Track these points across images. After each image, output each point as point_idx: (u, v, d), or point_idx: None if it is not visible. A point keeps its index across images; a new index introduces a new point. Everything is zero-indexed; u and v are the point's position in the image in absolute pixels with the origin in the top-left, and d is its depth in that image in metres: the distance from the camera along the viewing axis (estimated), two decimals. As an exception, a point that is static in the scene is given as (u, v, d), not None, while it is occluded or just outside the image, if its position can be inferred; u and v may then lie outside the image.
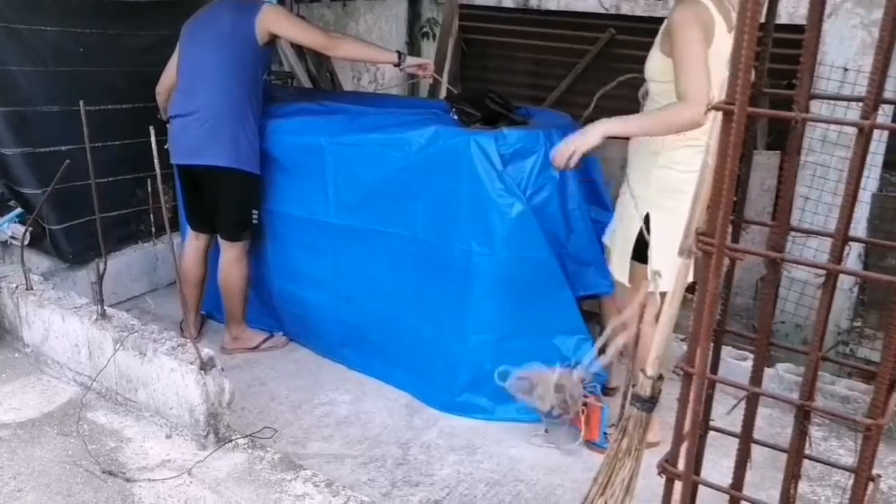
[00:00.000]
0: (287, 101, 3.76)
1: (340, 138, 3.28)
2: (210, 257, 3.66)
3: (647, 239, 2.67)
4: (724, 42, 2.40)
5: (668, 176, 2.64)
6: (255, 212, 3.47)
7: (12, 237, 3.53)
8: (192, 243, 3.60)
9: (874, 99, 1.32)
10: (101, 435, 2.76)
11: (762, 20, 1.49)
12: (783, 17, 4.10)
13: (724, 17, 2.48)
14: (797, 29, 4.15)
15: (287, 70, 4.76)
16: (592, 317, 3.68)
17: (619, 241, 2.87)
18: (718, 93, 1.53)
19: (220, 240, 3.51)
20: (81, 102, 2.76)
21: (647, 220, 2.70)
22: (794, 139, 1.38)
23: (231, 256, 3.51)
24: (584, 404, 3.06)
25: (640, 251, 2.74)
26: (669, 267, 2.24)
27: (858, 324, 4.26)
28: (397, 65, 3.42)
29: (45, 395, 3.00)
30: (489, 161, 2.93)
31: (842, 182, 3.68)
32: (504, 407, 3.20)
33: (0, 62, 3.45)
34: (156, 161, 2.60)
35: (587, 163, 3.16)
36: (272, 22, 3.26)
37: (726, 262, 1.47)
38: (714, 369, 1.77)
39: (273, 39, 3.36)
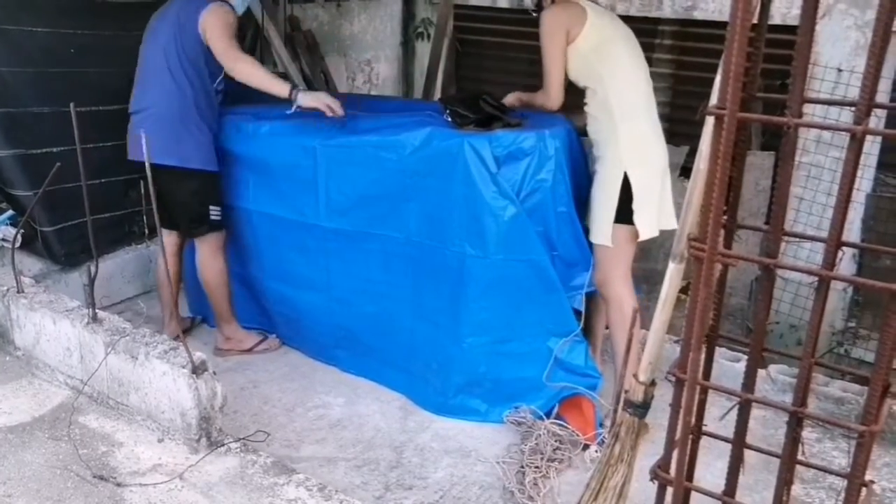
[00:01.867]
0: (281, 103, 3.74)
1: (333, 140, 3.27)
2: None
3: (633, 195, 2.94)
4: (597, 24, 3.00)
5: (631, 132, 2.96)
6: (213, 208, 3.43)
7: (3, 239, 3.51)
8: (166, 241, 3.54)
9: (867, 104, 1.31)
10: (93, 439, 2.74)
11: (754, 22, 1.48)
12: (776, 18, 4.10)
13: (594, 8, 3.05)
14: (790, 30, 4.15)
15: (281, 71, 4.74)
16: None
17: (598, 205, 3.04)
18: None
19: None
20: (72, 105, 2.74)
21: (625, 179, 2.94)
22: (788, 144, 1.38)
23: (204, 253, 3.51)
24: (578, 404, 3.08)
25: (620, 212, 2.98)
26: (650, 216, 2.96)
27: (853, 324, 4.26)
28: (287, 99, 3.24)
29: (36, 399, 2.98)
30: (483, 163, 2.92)
31: (836, 183, 3.68)
32: (498, 409, 3.20)
33: (-11, 64, 3.44)
34: (147, 163, 2.59)
35: (577, 156, 3.18)
36: (205, 23, 3.23)
37: (718, 266, 1.47)
38: (707, 374, 1.77)
39: None
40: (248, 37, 4.62)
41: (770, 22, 1.59)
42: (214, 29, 3.23)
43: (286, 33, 4.84)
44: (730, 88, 1.21)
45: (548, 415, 3.12)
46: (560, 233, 3.08)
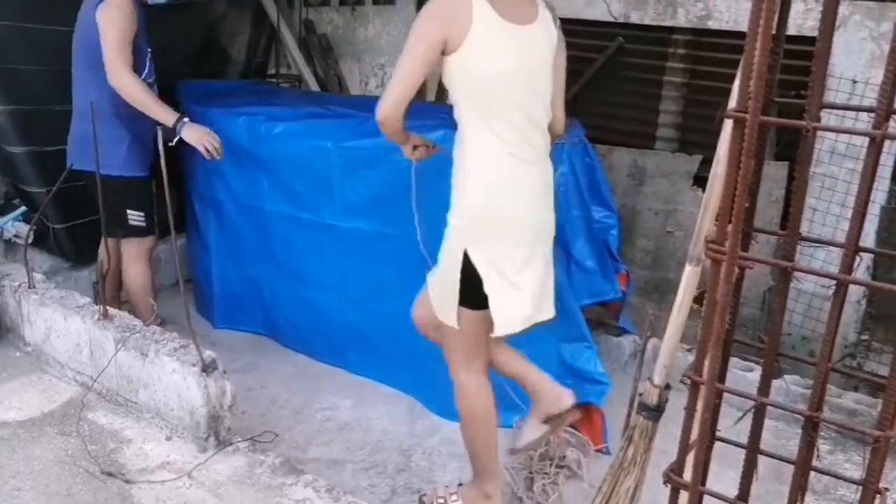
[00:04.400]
0: (295, 105, 3.76)
1: (347, 142, 3.27)
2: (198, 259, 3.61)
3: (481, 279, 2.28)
4: (490, 31, 2.17)
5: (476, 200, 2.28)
6: (133, 213, 3.29)
7: (16, 236, 3.53)
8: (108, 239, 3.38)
9: (886, 109, 1.31)
10: (102, 435, 2.75)
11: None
12: (792, 29, 4.09)
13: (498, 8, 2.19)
14: (805, 41, 4.14)
15: (295, 73, 4.76)
16: (600, 325, 3.68)
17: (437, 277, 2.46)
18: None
19: None
20: (91, 103, 2.75)
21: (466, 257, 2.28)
22: (806, 148, 1.37)
23: (125, 257, 3.42)
24: (587, 410, 3.07)
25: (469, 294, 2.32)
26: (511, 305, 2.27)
27: (866, 337, 4.23)
28: (172, 128, 3.09)
29: (45, 395, 2.99)
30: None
31: (850, 194, 3.65)
32: (506, 414, 3.17)
33: (7, 61, 3.44)
34: (162, 162, 2.60)
35: (591, 162, 3.16)
36: (100, 18, 3.03)
37: (736, 270, 1.46)
38: (722, 378, 1.75)
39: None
40: (264, 39, 4.65)
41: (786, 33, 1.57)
42: (105, 28, 3.02)
43: (301, 37, 4.85)
44: (752, 87, 1.21)
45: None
46: (575, 237, 3.07)
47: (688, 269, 1.58)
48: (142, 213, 3.34)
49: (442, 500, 2.60)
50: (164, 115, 3.11)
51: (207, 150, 3.17)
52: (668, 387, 1.66)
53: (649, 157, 4.80)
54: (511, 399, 3.16)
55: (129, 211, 3.31)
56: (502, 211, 2.25)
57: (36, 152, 3.55)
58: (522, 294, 2.31)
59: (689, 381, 1.51)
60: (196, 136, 3.16)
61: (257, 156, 3.50)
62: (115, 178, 3.20)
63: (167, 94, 3.62)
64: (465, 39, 2.15)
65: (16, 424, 2.79)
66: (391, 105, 2.24)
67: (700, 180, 4.73)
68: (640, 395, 1.70)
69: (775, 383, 2.81)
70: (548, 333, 3.09)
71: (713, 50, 4.69)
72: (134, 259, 3.43)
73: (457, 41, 2.15)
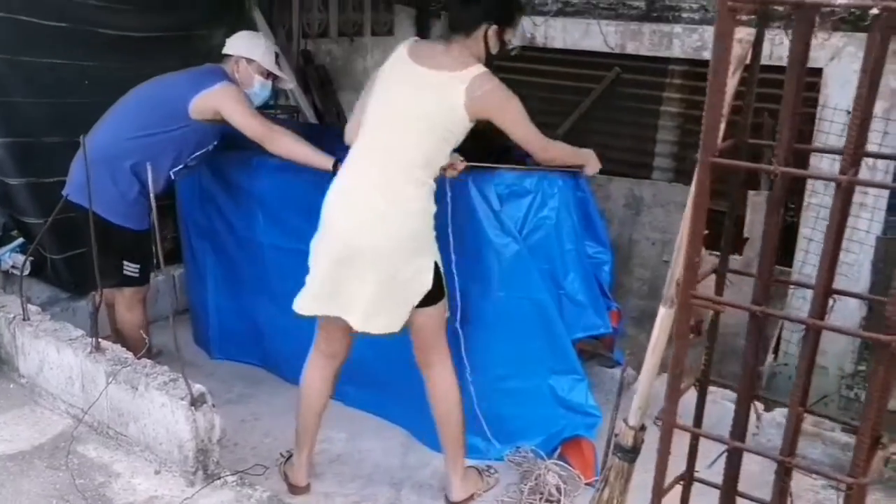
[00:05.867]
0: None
1: (340, 175, 3.28)
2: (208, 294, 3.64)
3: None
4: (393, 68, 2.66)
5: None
6: (129, 264, 3.33)
7: (14, 267, 3.55)
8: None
9: (853, 153, 1.31)
10: (91, 469, 2.75)
11: (742, 67, 1.49)
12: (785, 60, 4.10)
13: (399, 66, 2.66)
14: (812, 72, 4.16)
15: (293, 104, 4.80)
16: (593, 356, 3.67)
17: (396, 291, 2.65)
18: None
19: None
20: (82, 137, 2.79)
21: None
22: (776, 192, 1.37)
23: (119, 304, 3.45)
24: (578, 443, 3.06)
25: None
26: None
27: (863, 367, 4.20)
28: (331, 172, 3.10)
29: (37, 427, 3.00)
30: (486, 201, 2.93)
31: (850, 226, 3.62)
32: (498, 447, 3.17)
33: (5, 93, 3.50)
34: (152, 196, 2.63)
35: (583, 196, 3.17)
36: (220, 102, 3.18)
37: (707, 312, 1.46)
38: (699, 418, 1.75)
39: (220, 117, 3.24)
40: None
41: (781, 63, 1.55)
42: (231, 103, 3.17)
43: (299, 67, 4.90)
44: (702, 140, 1.22)
45: (550, 454, 3.10)
46: (567, 271, 3.07)
47: (661, 311, 1.58)
48: (137, 266, 3.36)
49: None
50: (322, 161, 3.14)
51: None
52: (643, 428, 1.66)
53: (646, 186, 4.81)
54: (503, 431, 3.16)
55: (125, 262, 3.33)
56: None
57: (33, 184, 3.59)
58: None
59: (660, 423, 1.51)
60: None
61: (252, 190, 3.52)
62: (120, 227, 3.22)
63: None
64: None
65: (5, 458, 2.80)
66: (542, 147, 2.82)
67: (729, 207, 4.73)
68: (616, 435, 1.70)
69: (766, 417, 2.80)
70: (539, 366, 3.10)
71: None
72: (129, 306, 3.45)
73: None
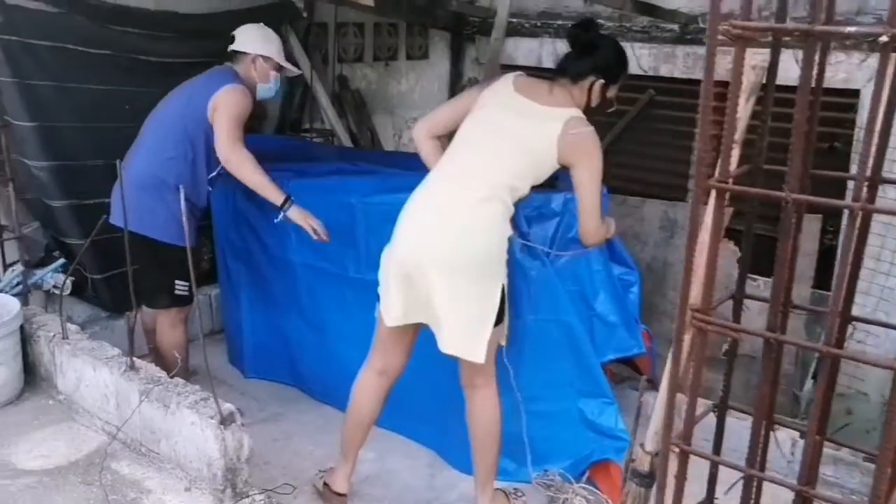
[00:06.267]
0: (324, 160, 3.86)
1: (371, 198, 3.34)
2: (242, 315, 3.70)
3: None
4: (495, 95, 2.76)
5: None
6: (179, 282, 3.37)
7: (55, 286, 3.65)
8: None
9: (866, 179, 1.30)
10: (123, 485, 2.80)
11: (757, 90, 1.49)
12: (831, 81, 4.05)
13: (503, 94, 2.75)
14: (839, 92, 4.11)
15: (328, 128, 4.88)
16: (624, 380, 3.65)
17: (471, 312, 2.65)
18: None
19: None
20: (118, 162, 2.88)
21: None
22: (787, 220, 1.37)
23: (163, 323, 3.49)
24: (606, 467, 3.04)
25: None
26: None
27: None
28: (279, 208, 3.26)
29: (73, 444, 3.07)
30: (515, 223, 2.94)
31: (884, 248, 3.53)
32: (527, 469, 3.16)
33: (52, 119, 3.63)
34: (184, 218, 2.70)
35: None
36: (217, 102, 3.22)
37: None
38: (718, 444, 1.74)
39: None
40: (297, 95, 4.78)
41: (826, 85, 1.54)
42: (224, 110, 3.19)
43: (334, 92, 4.98)
44: (696, 170, 1.22)
45: (578, 478, 3.08)
46: (596, 291, 3.07)
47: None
48: (187, 283, 3.41)
49: None
50: (275, 195, 3.23)
51: (315, 231, 3.29)
52: (659, 454, 1.65)
53: (681, 209, 4.78)
54: (532, 453, 3.15)
55: (177, 281, 3.39)
56: None
57: (75, 205, 3.71)
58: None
59: (676, 449, 1.50)
60: (302, 218, 3.29)
61: (286, 210, 3.58)
62: (173, 246, 3.27)
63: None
64: None
65: (42, 472, 2.87)
66: (597, 228, 2.77)
67: (732, 233, 4.69)
68: (633, 461, 1.69)
69: (799, 443, 2.75)
70: (568, 388, 3.09)
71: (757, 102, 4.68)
72: (173, 324, 3.50)
73: None
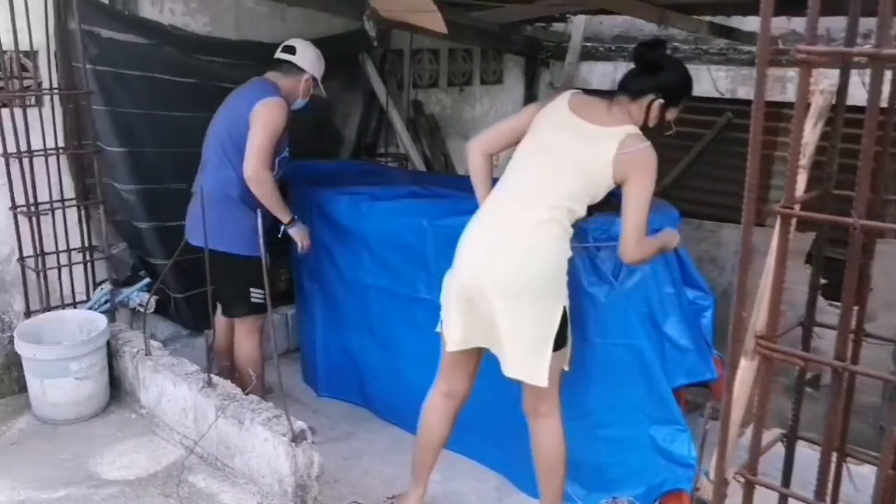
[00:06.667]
0: (397, 184, 3.92)
1: (442, 220, 3.37)
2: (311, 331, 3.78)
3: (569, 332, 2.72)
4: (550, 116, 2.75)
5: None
6: (254, 290, 3.46)
7: (140, 305, 3.81)
8: (219, 314, 3.71)
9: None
10: (199, 498, 2.89)
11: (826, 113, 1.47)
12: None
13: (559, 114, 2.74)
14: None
15: (403, 152, 4.96)
16: (697, 407, 3.57)
17: (532, 334, 2.65)
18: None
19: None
20: (201, 187, 3.00)
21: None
22: (854, 246, 1.34)
23: (239, 332, 3.60)
24: (679, 497, 2.97)
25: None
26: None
27: None
28: (286, 224, 3.47)
29: (153, 456, 3.18)
30: (583, 246, 2.93)
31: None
32: (596, 495, 3.12)
33: (140, 145, 3.81)
34: (261, 240, 2.79)
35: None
36: (256, 113, 3.31)
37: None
38: (787, 475, 1.70)
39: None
40: (373, 120, 4.88)
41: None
42: (261, 124, 3.29)
43: (409, 117, 5.07)
44: (746, 195, 1.21)
45: (648, 506, 3.03)
46: (667, 315, 3.02)
47: (743, 362, 1.55)
48: (262, 292, 3.48)
49: None
50: (283, 213, 3.44)
51: (303, 247, 3.59)
52: (725, 482, 1.62)
53: (759, 233, 4.64)
54: (602, 480, 3.11)
55: (252, 290, 3.49)
56: None
57: (159, 227, 3.87)
58: None
59: (742, 479, 1.47)
60: (300, 234, 3.56)
61: (359, 232, 3.66)
62: (246, 258, 3.36)
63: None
64: None
65: (124, 483, 2.99)
66: (638, 245, 2.65)
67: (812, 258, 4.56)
68: (697, 489, 1.66)
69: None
70: (638, 414, 3.04)
71: (827, 124, 4.57)
72: (250, 333, 3.61)
73: None
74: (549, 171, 2.68)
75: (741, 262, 1.28)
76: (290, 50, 3.53)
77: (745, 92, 4.70)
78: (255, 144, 3.27)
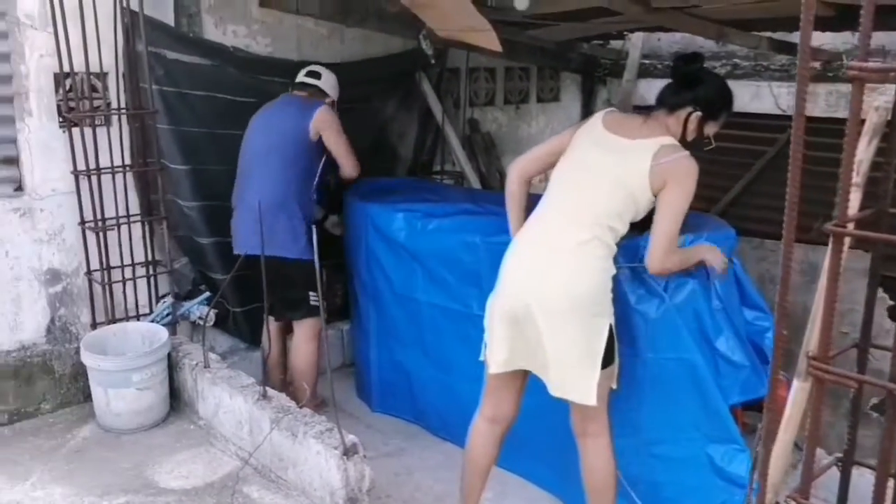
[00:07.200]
0: (451, 201, 3.95)
1: (495, 237, 3.38)
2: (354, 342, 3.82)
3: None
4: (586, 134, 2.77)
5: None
6: (312, 294, 3.61)
7: (200, 318, 3.90)
8: (271, 326, 3.81)
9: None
10: (252, 509, 2.95)
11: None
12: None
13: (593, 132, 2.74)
14: None
15: (458, 170, 4.99)
16: (755, 430, 3.48)
17: (579, 353, 2.62)
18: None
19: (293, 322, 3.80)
20: (259, 202, 3.08)
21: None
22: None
23: (299, 337, 3.75)
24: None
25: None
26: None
27: None
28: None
29: (210, 466, 3.25)
30: (629, 267, 2.91)
31: None
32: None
33: (202, 163, 3.93)
34: (315, 255, 2.84)
35: (733, 264, 3.07)
36: (321, 124, 3.62)
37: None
38: (843, 499, 1.65)
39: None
40: (429, 139, 4.93)
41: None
42: (333, 128, 3.64)
43: (465, 135, 5.10)
44: (786, 213, 1.19)
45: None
46: (718, 330, 2.97)
47: (796, 384, 1.52)
48: (317, 295, 3.59)
49: None
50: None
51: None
52: (774, 506, 1.59)
53: (822, 252, 4.53)
54: (657, 498, 3.06)
55: (310, 293, 3.62)
56: None
57: (220, 242, 3.96)
58: None
59: (793, 503, 1.44)
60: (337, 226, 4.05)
61: (413, 249, 3.69)
62: (305, 261, 3.50)
63: (336, 191, 3.97)
64: None
65: (181, 492, 3.06)
66: (664, 256, 2.62)
67: (881, 279, 4.42)
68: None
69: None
70: (693, 431, 2.99)
71: (882, 140, 4.44)
72: (310, 338, 3.74)
73: None
74: (587, 190, 2.67)
75: (781, 279, 1.27)
76: (316, 75, 3.82)
77: (807, 108, 4.60)
78: (343, 144, 3.69)
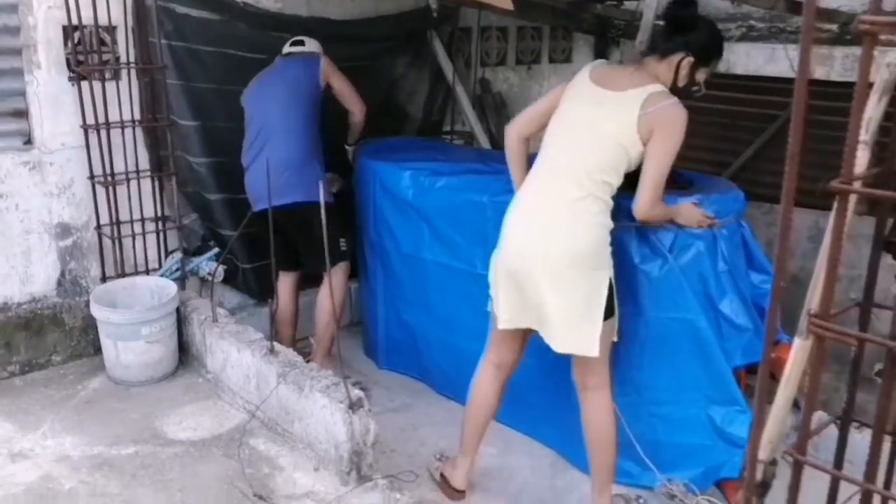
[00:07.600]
0: (459, 161, 3.94)
1: (501, 197, 3.38)
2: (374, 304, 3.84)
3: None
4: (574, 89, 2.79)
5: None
6: (342, 239, 3.74)
7: (209, 274, 3.93)
8: (284, 282, 3.88)
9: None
10: (259, 460, 2.99)
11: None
12: None
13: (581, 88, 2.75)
14: None
15: (468, 130, 4.97)
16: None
17: (581, 307, 2.66)
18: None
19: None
20: (267, 159, 3.08)
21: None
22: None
23: (333, 284, 3.60)
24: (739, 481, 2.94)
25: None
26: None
27: None
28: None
29: (217, 419, 3.30)
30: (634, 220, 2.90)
31: None
32: (651, 473, 3.11)
33: (211, 119, 3.92)
34: (323, 214, 2.85)
35: (740, 227, 3.06)
36: (328, 71, 3.74)
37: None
38: (840, 457, 1.66)
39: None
40: (439, 98, 4.90)
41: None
42: (337, 71, 3.77)
43: (476, 95, 5.07)
44: (786, 170, 1.18)
45: (707, 487, 3.00)
46: (722, 292, 2.98)
47: (796, 341, 1.53)
48: (345, 239, 3.81)
49: None
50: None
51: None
52: (773, 462, 1.60)
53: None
54: (658, 458, 3.09)
55: (339, 238, 3.72)
56: None
57: (229, 199, 3.98)
58: None
59: (790, 459, 1.45)
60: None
61: (420, 207, 3.70)
62: (331, 206, 3.50)
63: (341, 149, 3.98)
64: None
65: (189, 443, 3.11)
66: (650, 204, 2.64)
67: (891, 245, 4.39)
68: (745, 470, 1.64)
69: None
70: (695, 392, 3.01)
71: (890, 104, 4.39)
72: (341, 284, 3.79)
73: None
74: (578, 147, 2.68)
75: (780, 237, 1.26)
76: (300, 43, 3.88)
77: (822, 72, 4.54)
78: (349, 86, 3.82)
